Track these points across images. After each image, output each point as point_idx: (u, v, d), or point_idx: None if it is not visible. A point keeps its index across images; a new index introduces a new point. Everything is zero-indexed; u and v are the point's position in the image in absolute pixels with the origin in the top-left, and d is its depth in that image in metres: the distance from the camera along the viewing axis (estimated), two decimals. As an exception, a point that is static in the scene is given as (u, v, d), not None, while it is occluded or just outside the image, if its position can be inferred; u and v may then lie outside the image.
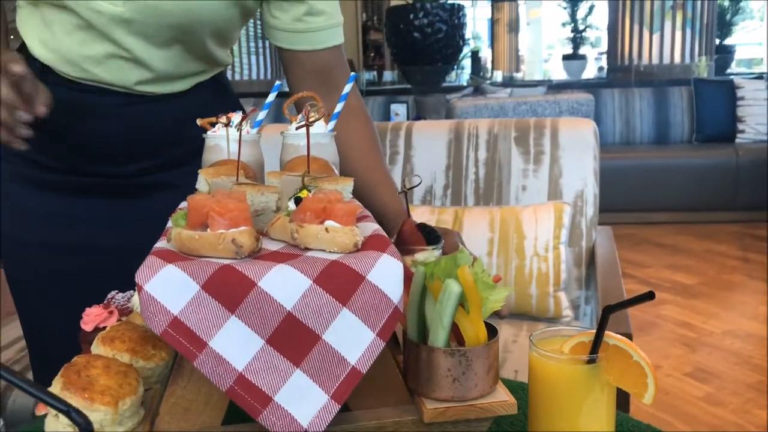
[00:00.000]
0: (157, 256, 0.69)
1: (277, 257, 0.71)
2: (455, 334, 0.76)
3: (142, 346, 0.80)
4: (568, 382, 0.78)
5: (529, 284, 2.14)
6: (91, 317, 0.87)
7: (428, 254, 1.01)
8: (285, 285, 0.67)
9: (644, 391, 0.76)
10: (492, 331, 0.77)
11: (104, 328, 0.87)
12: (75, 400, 0.67)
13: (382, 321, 0.68)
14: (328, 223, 0.72)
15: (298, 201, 0.75)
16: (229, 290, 0.67)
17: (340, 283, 0.68)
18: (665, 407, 2.77)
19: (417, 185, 1.09)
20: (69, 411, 0.48)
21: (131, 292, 0.99)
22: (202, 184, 0.86)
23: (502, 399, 0.76)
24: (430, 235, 1.03)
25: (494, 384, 0.77)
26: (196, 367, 0.66)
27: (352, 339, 0.68)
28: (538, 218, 2.21)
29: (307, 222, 0.72)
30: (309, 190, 0.77)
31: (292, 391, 0.67)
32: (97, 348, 0.79)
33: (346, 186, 0.83)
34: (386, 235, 0.76)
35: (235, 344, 0.67)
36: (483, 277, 0.77)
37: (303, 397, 0.67)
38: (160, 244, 0.75)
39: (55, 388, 0.69)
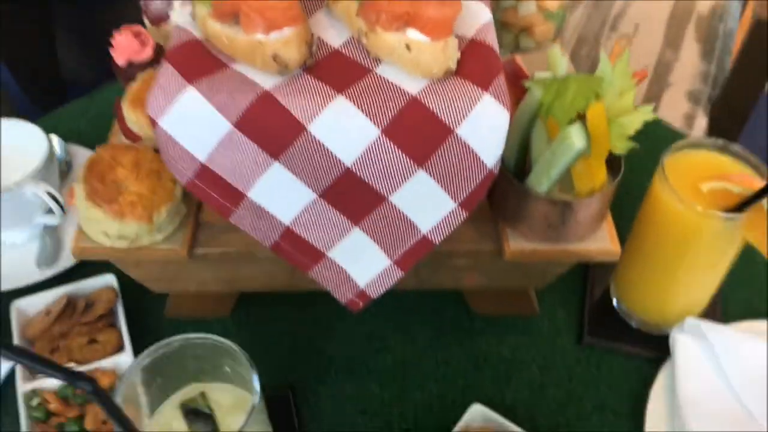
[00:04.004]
0: (173, 63, 0.50)
1: (337, 74, 0.51)
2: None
3: (182, 112, 0.66)
4: (694, 229, 0.63)
5: None
6: (122, 47, 0.71)
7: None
8: (344, 133, 0.50)
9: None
10: (616, 165, 0.59)
11: (140, 64, 0.71)
12: (102, 212, 0.58)
13: (468, 189, 0.52)
14: (411, 34, 0.49)
15: (371, -19, 0.51)
16: (270, 132, 0.50)
17: (419, 136, 0.50)
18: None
19: None
20: (72, 379, 0.40)
21: (173, -9, 0.79)
22: None
23: (603, 246, 0.62)
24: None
25: (599, 225, 0.63)
26: (233, 222, 0.54)
27: (426, 206, 0.53)
28: None
29: (381, 26, 0.50)
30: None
31: (348, 250, 0.55)
32: (127, 112, 0.66)
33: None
34: (495, 44, 0.53)
35: (280, 194, 0.53)
36: (628, 94, 0.55)
37: (361, 256, 0.56)
38: (182, 15, 0.55)
39: (79, 195, 0.59)
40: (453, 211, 0.53)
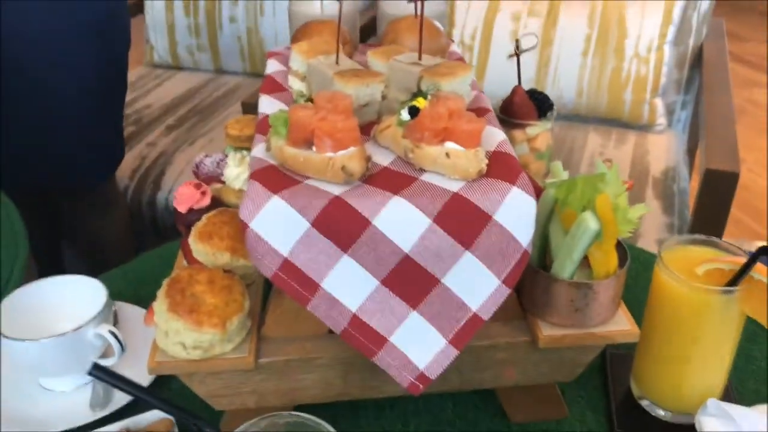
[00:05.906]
0: (258, 180, 0.61)
1: (391, 182, 0.63)
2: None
3: (241, 243, 0.75)
4: (697, 308, 0.72)
5: (624, 89, 1.97)
6: (184, 198, 0.82)
7: (541, 127, 0.90)
8: (402, 224, 0.60)
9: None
10: (622, 255, 0.70)
11: (199, 210, 0.82)
12: (182, 323, 0.65)
13: (509, 267, 0.61)
14: (449, 145, 0.62)
15: (413, 111, 0.64)
16: (341, 228, 0.60)
17: (463, 223, 0.60)
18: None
19: (533, 47, 0.94)
20: (199, 426, 0.45)
21: (219, 156, 0.93)
22: (297, 62, 0.75)
23: (624, 328, 0.71)
24: (543, 104, 0.90)
25: (616, 309, 0.71)
26: (310, 310, 0.62)
27: (474, 285, 0.62)
28: (645, 13, 1.96)
29: (425, 142, 0.62)
30: (425, 97, 0.65)
31: (408, 333, 0.63)
32: (195, 244, 0.76)
33: (466, 78, 0.70)
34: (513, 154, 0.66)
35: (349, 284, 0.62)
36: (621, 196, 0.67)
37: (419, 339, 0.63)
38: (258, 151, 0.67)
39: (160, 308, 0.67)
40: (497, 288, 0.62)
